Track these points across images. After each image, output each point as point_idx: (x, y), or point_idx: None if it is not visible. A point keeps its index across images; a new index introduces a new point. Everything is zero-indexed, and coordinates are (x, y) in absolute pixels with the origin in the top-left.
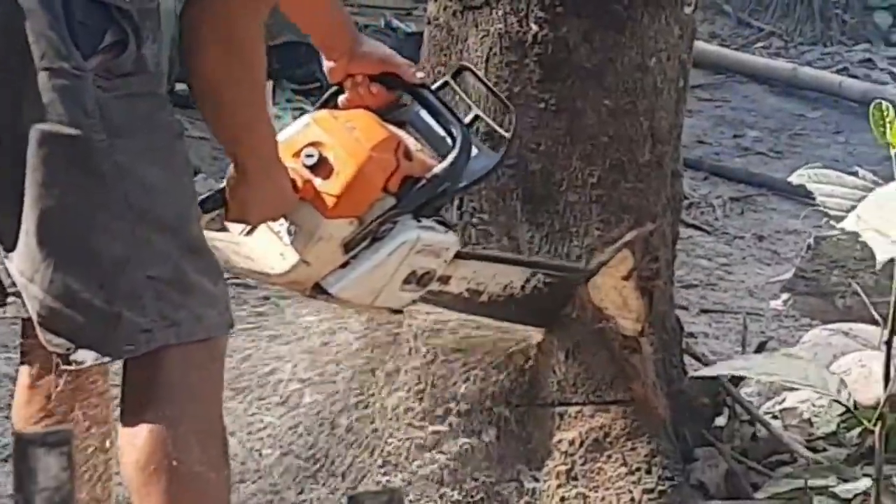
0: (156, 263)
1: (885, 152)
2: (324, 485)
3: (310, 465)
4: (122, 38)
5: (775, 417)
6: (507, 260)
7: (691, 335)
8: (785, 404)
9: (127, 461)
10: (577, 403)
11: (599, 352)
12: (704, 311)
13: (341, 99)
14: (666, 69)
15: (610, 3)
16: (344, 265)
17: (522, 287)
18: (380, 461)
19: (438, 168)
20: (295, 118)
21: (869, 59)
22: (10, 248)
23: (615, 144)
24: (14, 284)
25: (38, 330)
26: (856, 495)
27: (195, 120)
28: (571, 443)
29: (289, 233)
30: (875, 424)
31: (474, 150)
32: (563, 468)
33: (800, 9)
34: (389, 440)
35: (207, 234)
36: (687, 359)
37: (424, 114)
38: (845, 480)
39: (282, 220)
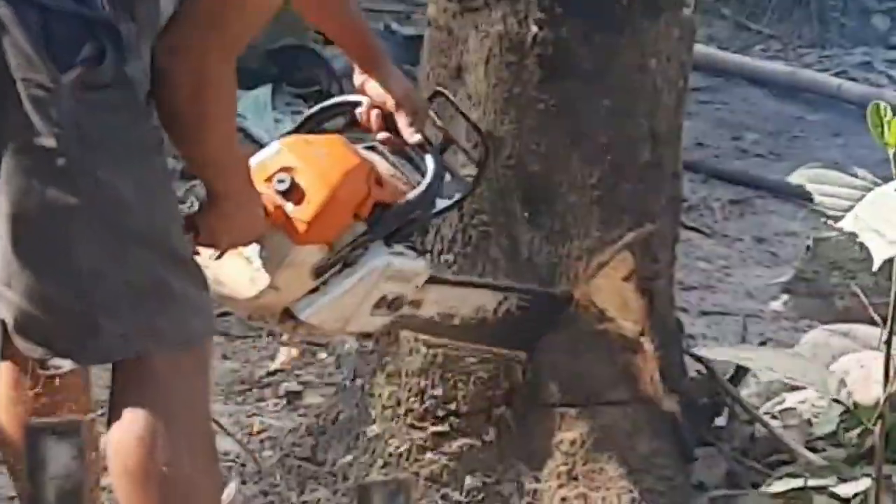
0: (134, 273)
1: (884, 154)
2: (325, 485)
3: (311, 467)
4: (100, 50)
5: (775, 418)
6: (478, 284)
7: (691, 337)
8: (784, 405)
9: (116, 468)
10: (577, 404)
11: (600, 352)
12: (704, 314)
13: (358, 111)
14: (666, 70)
15: (609, 4)
16: (313, 291)
17: (495, 311)
18: (381, 462)
19: (411, 195)
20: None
21: (867, 62)
22: None
23: (615, 145)
24: None
25: (14, 335)
26: (855, 495)
27: None
28: (572, 443)
29: (259, 257)
30: (875, 424)
31: (447, 177)
32: (564, 468)
33: (798, 12)
34: (390, 441)
35: None
36: (687, 360)
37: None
38: (845, 480)
39: (253, 245)
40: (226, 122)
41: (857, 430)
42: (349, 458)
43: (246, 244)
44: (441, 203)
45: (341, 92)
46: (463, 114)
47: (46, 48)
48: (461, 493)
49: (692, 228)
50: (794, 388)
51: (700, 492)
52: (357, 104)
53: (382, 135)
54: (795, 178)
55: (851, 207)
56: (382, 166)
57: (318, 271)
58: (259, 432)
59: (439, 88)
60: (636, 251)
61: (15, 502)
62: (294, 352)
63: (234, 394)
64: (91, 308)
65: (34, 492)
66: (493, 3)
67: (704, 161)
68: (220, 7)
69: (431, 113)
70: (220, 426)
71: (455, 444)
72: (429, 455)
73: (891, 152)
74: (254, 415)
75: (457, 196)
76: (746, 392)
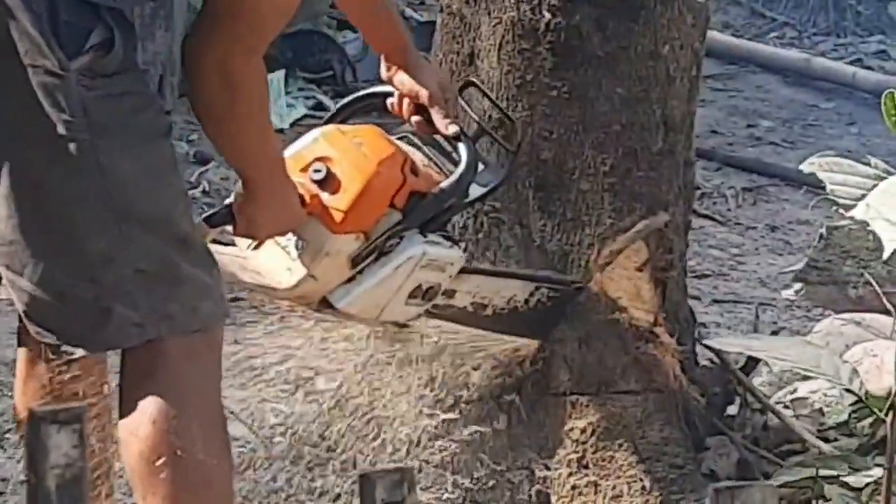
0: (144, 258)
1: None
2: (334, 472)
3: (321, 453)
4: (108, 37)
5: (787, 407)
6: (511, 275)
7: (703, 325)
8: (796, 394)
9: (130, 453)
10: (588, 393)
11: (612, 342)
12: (716, 302)
13: (390, 101)
14: (679, 57)
15: None
16: (350, 280)
17: (526, 301)
18: (390, 449)
19: (445, 183)
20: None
21: (883, 51)
22: None
23: (627, 133)
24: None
25: (27, 322)
26: (867, 484)
27: None
28: (583, 431)
29: (296, 247)
30: (887, 414)
31: (480, 166)
32: (575, 456)
33: None
34: (400, 428)
35: (214, 248)
36: (699, 349)
37: None
38: (857, 470)
39: (289, 235)
40: (257, 115)
41: (869, 420)
42: (359, 444)
43: (283, 234)
44: (475, 191)
45: (354, 77)
46: (495, 103)
47: (54, 34)
48: (471, 481)
49: (705, 216)
50: (806, 378)
51: (711, 480)
52: (388, 94)
53: (416, 119)
54: (807, 167)
55: (864, 196)
56: (416, 156)
57: (355, 260)
58: (269, 418)
59: (471, 79)
60: (650, 241)
61: (25, 487)
62: None
63: (244, 379)
64: (102, 294)
65: (35, 480)
66: None
67: (718, 149)
68: (241, 5)
69: (462, 103)
70: (231, 412)
71: (466, 432)
72: (439, 442)
73: None
74: (264, 401)
75: (491, 184)
76: (758, 381)
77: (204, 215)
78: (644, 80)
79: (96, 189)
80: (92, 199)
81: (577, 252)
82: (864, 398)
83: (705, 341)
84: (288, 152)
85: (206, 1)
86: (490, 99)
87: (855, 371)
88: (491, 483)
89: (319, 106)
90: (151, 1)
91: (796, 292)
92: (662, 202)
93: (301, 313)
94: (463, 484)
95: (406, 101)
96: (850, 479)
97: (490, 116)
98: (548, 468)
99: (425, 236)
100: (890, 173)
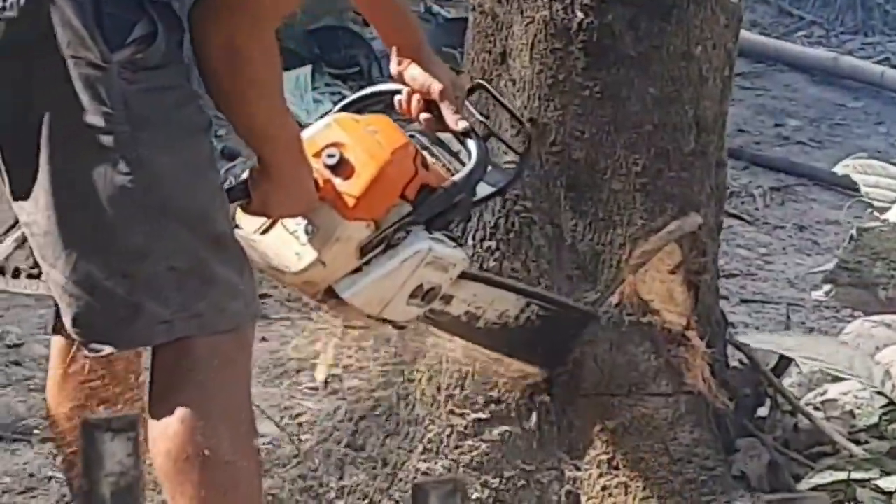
0: (177, 255)
1: None
2: (364, 470)
3: (350, 451)
4: (151, 30)
5: (817, 409)
6: (508, 286)
7: (731, 325)
8: (826, 396)
9: (158, 451)
10: (619, 394)
11: (643, 344)
12: (744, 301)
13: (397, 98)
14: (711, 58)
15: None
16: (357, 271)
17: (517, 317)
18: (420, 448)
19: (456, 177)
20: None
21: None
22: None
23: (660, 133)
24: None
25: (63, 315)
26: None
27: None
28: (613, 432)
29: (306, 232)
30: None
31: (488, 166)
32: (605, 457)
33: None
34: (430, 427)
35: None
36: (729, 350)
37: None
38: (888, 473)
39: (299, 220)
40: (270, 94)
41: None
42: (388, 443)
43: (296, 215)
44: (483, 191)
45: (380, 73)
46: (504, 105)
47: (98, 26)
48: (501, 481)
49: (733, 215)
50: (837, 379)
51: (741, 483)
52: (396, 92)
53: (424, 116)
54: (841, 169)
55: None
56: (425, 152)
57: (364, 249)
58: (297, 416)
59: (480, 81)
60: (684, 244)
61: (52, 482)
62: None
63: (272, 377)
64: (134, 289)
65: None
66: None
67: (746, 148)
68: None
69: (469, 104)
70: (259, 409)
71: (495, 432)
72: (469, 442)
73: None
74: (292, 398)
75: (499, 184)
76: (788, 382)
77: None
78: (676, 80)
79: (133, 183)
80: (129, 193)
81: (608, 252)
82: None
83: (737, 339)
84: (302, 136)
85: None
86: (500, 102)
87: (888, 373)
88: (521, 483)
89: None
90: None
91: (826, 293)
92: (694, 203)
93: (329, 310)
94: (493, 484)
95: (415, 97)
96: (882, 483)
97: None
98: (578, 469)
99: (431, 233)
100: None
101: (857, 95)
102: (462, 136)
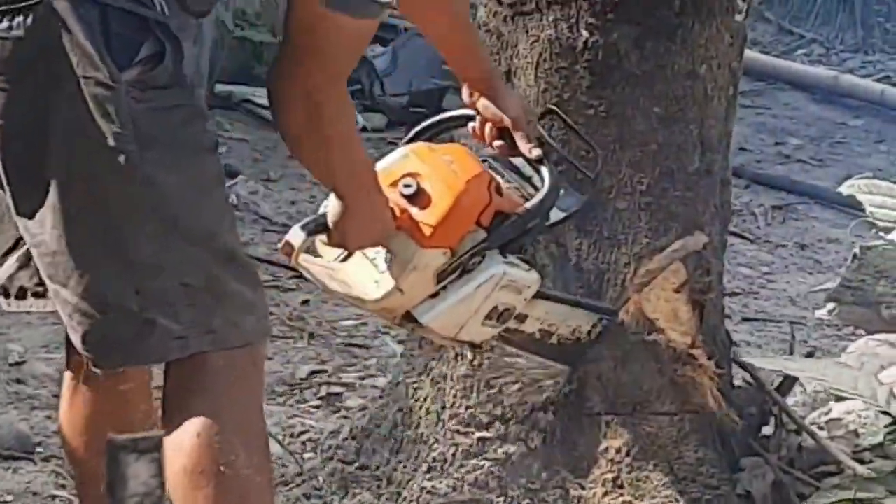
0: (189, 271)
1: None
2: (368, 489)
3: (354, 470)
4: (158, 50)
5: (821, 428)
6: (578, 303)
7: (735, 344)
8: (831, 415)
9: (173, 467)
10: (624, 413)
11: (648, 363)
12: (746, 320)
13: (471, 125)
14: (716, 77)
15: (661, 9)
16: (434, 296)
17: (589, 332)
18: (425, 467)
19: (529, 204)
20: None
21: None
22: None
23: (664, 152)
24: None
25: (70, 334)
26: None
27: (235, 121)
28: (618, 451)
29: (384, 261)
30: None
31: (561, 191)
32: (610, 476)
33: (841, 16)
34: (435, 445)
35: (307, 259)
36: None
37: None
38: (893, 493)
39: (377, 248)
40: (347, 138)
41: None
42: (393, 461)
43: (374, 245)
44: (555, 215)
45: (382, 91)
46: (575, 129)
47: (106, 46)
48: (506, 500)
49: (735, 234)
50: (841, 398)
51: (746, 502)
52: (470, 118)
53: (498, 144)
54: (846, 189)
55: None
56: (498, 178)
57: (440, 276)
58: (301, 434)
59: (552, 107)
60: (689, 263)
61: (55, 501)
62: None
63: (276, 395)
64: (147, 306)
65: None
66: (544, 8)
67: (747, 166)
68: (313, 45)
69: (541, 129)
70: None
71: (500, 450)
72: (473, 461)
73: None
74: (295, 416)
75: (571, 209)
76: (791, 401)
77: (300, 223)
78: (681, 99)
79: (144, 201)
80: (140, 211)
81: (613, 271)
82: None
83: (742, 359)
84: (378, 167)
85: (285, 37)
86: (570, 126)
87: (892, 392)
88: (525, 502)
89: None
90: (197, 20)
91: (829, 312)
92: (699, 222)
93: (332, 329)
94: (497, 503)
95: (488, 125)
96: (888, 502)
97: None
98: (582, 487)
99: (505, 257)
100: None
101: (858, 114)
102: (535, 162)
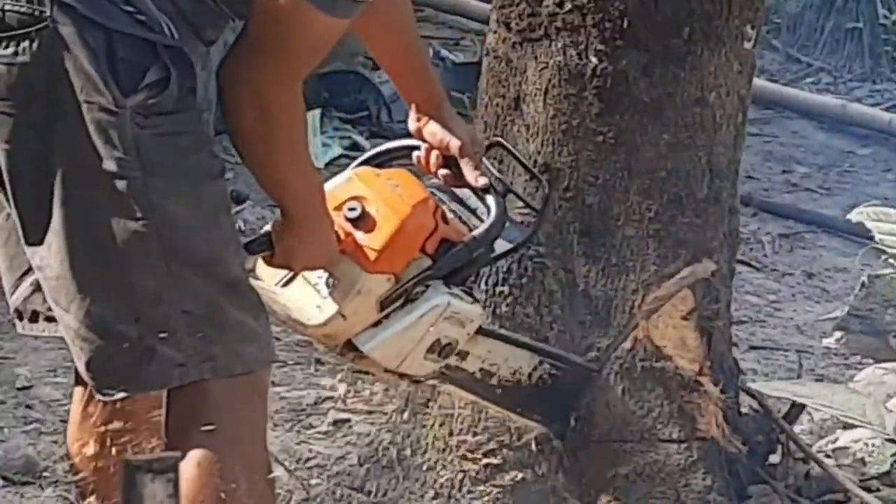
0: (190, 299)
1: None
2: None
3: (361, 496)
4: (164, 76)
5: (828, 456)
6: (521, 343)
7: (742, 372)
8: (838, 443)
9: None
10: (631, 441)
11: (656, 390)
12: (753, 348)
13: (416, 154)
14: (725, 104)
15: (670, 37)
16: (376, 324)
17: (529, 375)
18: (432, 493)
19: (476, 232)
20: (343, 147)
21: None
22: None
23: (673, 179)
24: None
25: (76, 359)
26: None
27: None
28: (625, 477)
29: (327, 285)
30: None
31: (506, 222)
32: (617, 503)
33: (849, 45)
34: (442, 472)
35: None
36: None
37: None
38: None
39: (319, 273)
40: (296, 147)
41: None
42: (399, 488)
43: (318, 268)
44: (501, 246)
45: (389, 117)
46: (521, 161)
47: (111, 71)
48: None
49: (742, 262)
50: (847, 427)
51: None
52: (415, 147)
53: (443, 173)
54: (855, 216)
55: None
56: (443, 206)
57: (384, 303)
58: (307, 460)
59: (498, 139)
60: (697, 290)
61: None
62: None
63: (283, 421)
64: (147, 333)
65: None
66: (553, 34)
67: (754, 194)
68: (276, 37)
69: (486, 161)
70: (269, 453)
71: (507, 477)
72: (480, 487)
73: None
74: (302, 442)
75: (517, 240)
76: (799, 429)
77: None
78: (690, 126)
79: (146, 228)
80: (142, 238)
81: (621, 298)
82: None
83: (749, 385)
84: None
85: (243, 31)
86: (517, 159)
87: None
88: None
89: (355, 146)
90: (203, 47)
91: (837, 340)
92: (708, 249)
93: (336, 356)
94: None
95: (434, 153)
96: None
97: (535, 162)
98: None
99: (449, 288)
100: None
101: (866, 142)
102: (481, 192)
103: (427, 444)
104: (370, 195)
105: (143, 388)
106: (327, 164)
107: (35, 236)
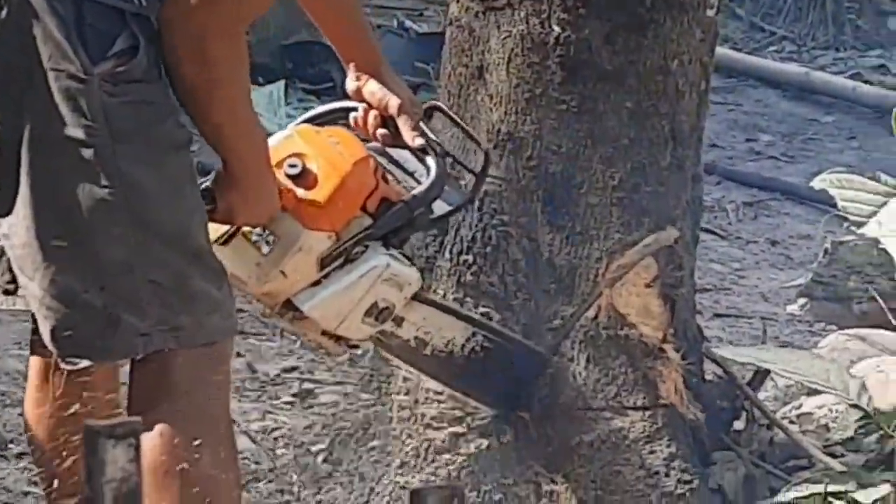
0: (157, 269)
1: None
2: (340, 485)
3: (327, 466)
4: (133, 44)
5: (793, 422)
6: (456, 313)
7: (707, 340)
8: (802, 409)
9: None
10: (596, 409)
11: (620, 357)
12: (718, 316)
13: (353, 116)
14: (687, 72)
15: (632, 5)
16: (315, 284)
17: (462, 346)
18: (397, 462)
19: (416, 191)
20: None
21: (882, 65)
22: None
23: (636, 147)
24: None
25: (40, 328)
26: (875, 501)
27: None
28: (590, 445)
29: (267, 243)
30: (894, 430)
31: (446, 185)
32: (582, 470)
33: (813, 13)
34: (407, 441)
35: None
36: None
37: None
38: (864, 486)
39: (259, 230)
40: (237, 95)
41: (876, 436)
42: (365, 457)
43: (260, 223)
44: (440, 209)
45: None
46: (461, 126)
47: (80, 39)
48: (478, 495)
49: (706, 230)
50: (812, 393)
51: (717, 495)
52: (352, 109)
53: (381, 132)
54: (818, 183)
55: (874, 213)
56: (383, 167)
57: (324, 261)
58: (273, 431)
59: (437, 103)
60: (660, 257)
61: (28, 498)
62: None
63: (248, 392)
64: (113, 302)
65: (91, 495)
66: (515, 3)
67: (718, 163)
68: None
69: (423, 126)
70: (235, 424)
71: (472, 446)
72: (445, 456)
73: None
74: (267, 413)
75: (456, 203)
76: (764, 396)
77: None
78: (653, 94)
79: (113, 196)
80: (108, 207)
81: (585, 266)
82: (872, 414)
83: (714, 351)
84: None
85: None
86: (456, 123)
87: (864, 386)
88: (497, 497)
89: None
90: None
91: (801, 307)
92: (671, 217)
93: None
94: (469, 498)
95: (372, 114)
96: (858, 496)
97: (498, 131)
98: (554, 482)
99: (388, 249)
100: None
101: (829, 110)
102: (420, 152)
103: (392, 413)
104: (311, 152)
105: (106, 357)
106: None
107: (3, 205)
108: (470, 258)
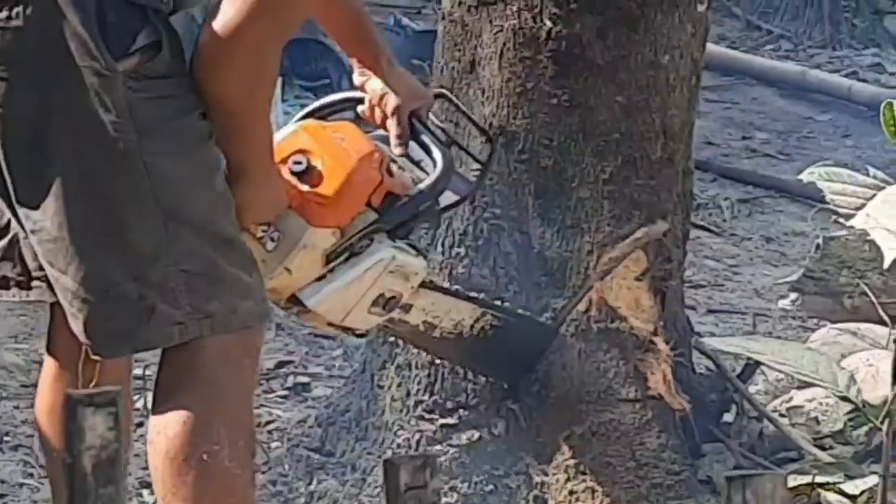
0: (188, 257)
1: (894, 155)
2: (333, 476)
3: (320, 457)
4: (155, 40)
5: (783, 415)
6: (464, 296)
7: (698, 335)
8: (792, 402)
9: (156, 450)
10: (587, 400)
11: (611, 350)
12: (711, 312)
13: (360, 109)
14: (679, 67)
15: (624, 0)
16: (320, 279)
17: (471, 327)
18: (389, 453)
19: (422, 185)
20: None
21: (878, 64)
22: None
23: (627, 141)
24: (40, 268)
25: (71, 321)
26: (862, 492)
27: None
28: (581, 437)
29: (272, 240)
30: (883, 422)
31: (452, 176)
32: (572, 462)
33: (809, 12)
34: (399, 432)
35: None
36: (695, 355)
37: None
38: (852, 478)
39: (264, 227)
40: (267, 102)
41: (865, 429)
42: (358, 449)
43: (266, 221)
44: (446, 199)
45: (351, 85)
46: (467, 114)
47: (102, 35)
48: (469, 486)
49: (701, 227)
50: (802, 386)
51: (707, 487)
52: (360, 100)
53: (389, 124)
54: (806, 176)
55: (863, 206)
56: (389, 159)
57: (329, 257)
58: (267, 423)
59: (442, 90)
60: (650, 251)
61: (23, 489)
62: None
63: None
64: (147, 292)
65: (71, 462)
66: None
67: (714, 160)
68: None
69: (431, 115)
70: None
71: (464, 437)
72: (437, 447)
73: None
74: (262, 406)
75: (462, 193)
76: (754, 389)
77: None
78: (644, 88)
79: (144, 189)
80: (140, 199)
81: (576, 259)
82: (860, 406)
83: (704, 342)
84: None
85: None
86: (462, 111)
87: (853, 379)
88: (489, 488)
89: None
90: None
91: (792, 302)
92: (661, 211)
93: (297, 318)
94: (461, 489)
95: (377, 108)
96: (847, 487)
97: (490, 124)
98: (545, 473)
99: (394, 241)
100: (889, 183)
101: (825, 109)
102: (427, 144)
103: (384, 405)
104: (316, 148)
105: (141, 347)
106: None
107: (30, 200)
108: (462, 251)
